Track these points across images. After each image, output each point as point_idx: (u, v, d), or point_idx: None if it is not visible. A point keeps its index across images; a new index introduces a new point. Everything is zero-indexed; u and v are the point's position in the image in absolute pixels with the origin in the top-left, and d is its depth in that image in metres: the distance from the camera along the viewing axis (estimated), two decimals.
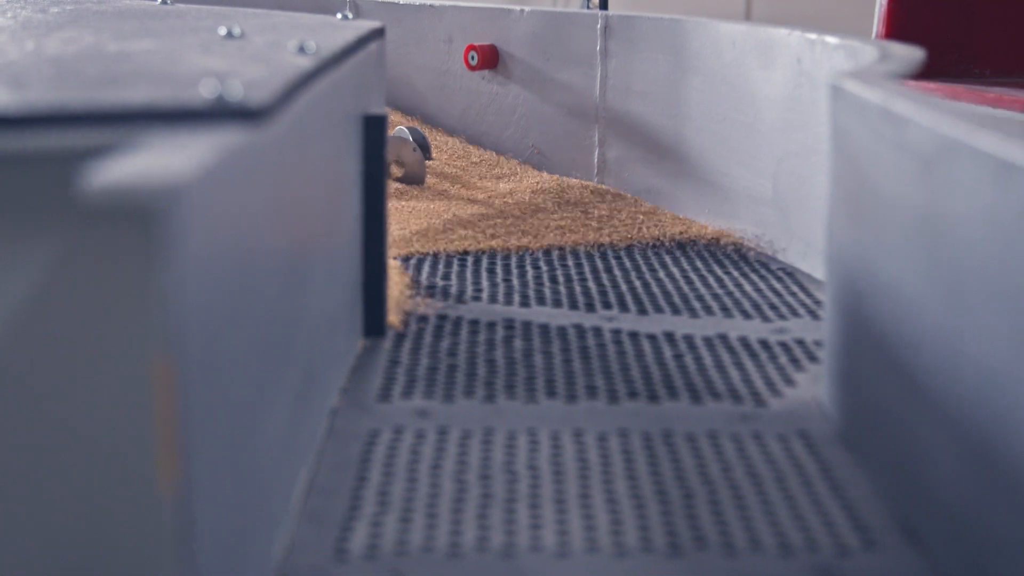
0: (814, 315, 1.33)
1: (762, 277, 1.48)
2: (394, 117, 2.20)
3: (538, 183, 1.86)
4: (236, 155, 0.63)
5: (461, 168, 1.98)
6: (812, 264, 1.48)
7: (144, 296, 0.53)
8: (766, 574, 0.79)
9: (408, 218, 1.66)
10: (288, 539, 0.81)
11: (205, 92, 0.70)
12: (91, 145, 0.63)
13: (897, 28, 1.96)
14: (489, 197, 1.78)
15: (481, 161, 2.02)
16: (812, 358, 1.19)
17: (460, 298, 1.35)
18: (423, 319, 1.28)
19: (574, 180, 1.90)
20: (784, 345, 1.23)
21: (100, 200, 0.51)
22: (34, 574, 0.58)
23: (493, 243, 1.56)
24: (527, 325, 1.27)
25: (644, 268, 1.50)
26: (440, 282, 1.40)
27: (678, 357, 1.19)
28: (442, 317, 1.29)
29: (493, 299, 1.35)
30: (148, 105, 0.67)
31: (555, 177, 1.92)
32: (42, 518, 0.58)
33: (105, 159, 0.58)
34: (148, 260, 0.53)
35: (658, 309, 1.34)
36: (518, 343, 1.22)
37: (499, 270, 1.47)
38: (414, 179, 1.88)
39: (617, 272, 1.48)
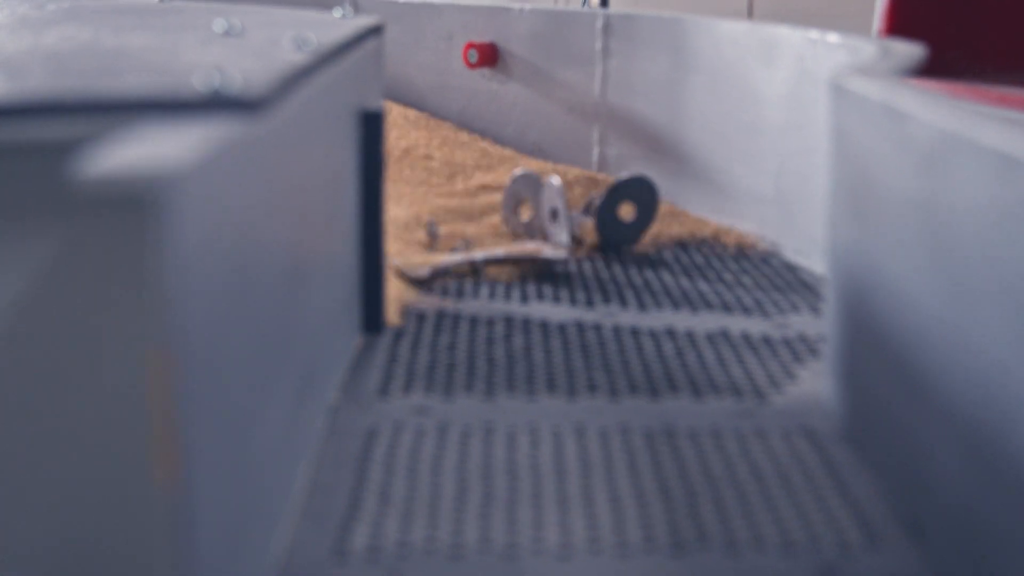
0: (816, 311, 1.32)
1: (763, 274, 1.47)
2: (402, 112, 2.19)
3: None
4: (232, 146, 0.63)
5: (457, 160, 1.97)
6: (814, 261, 1.48)
7: (139, 287, 0.52)
8: (770, 574, 0.78)
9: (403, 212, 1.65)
10: (288, 538, 0.80)
11: (201, 83, 0.70)
12: (86, 135, 0.62)
13: (898, 26, 1.96)
14: (487, 190, 1.77)
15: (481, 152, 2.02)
16: (814, 354, 1.19)
17: (459, 294, 1.34)
18: (422, 315, 1.27)
19: (575, 171, 1.90)
20: (786, 341, 1.23)
21: (93, 189, 0.51)
22: (29, 572, 0.58)
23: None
24: (526, 322, 1.26)
25: (644, 264, 1.50)
26: (439, 275, 1.39)
27: (679, 353, 1.18)
28: (440, 313, 1.28)
29: (492, 295, 1.35)
30: (143, 95, 0.67)
31: (555, 167, 1.92)
32: (37, 515, 0.57)
33: (99, 149, 0.57)
34: (143, 250, 0.52)
35: (658, 305, 1.33)
36: (518, 340, 1.21)
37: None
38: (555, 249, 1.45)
39: (617, 268, 1.48)
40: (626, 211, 1.55)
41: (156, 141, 0.58)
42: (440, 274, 1.38)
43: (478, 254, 1.42)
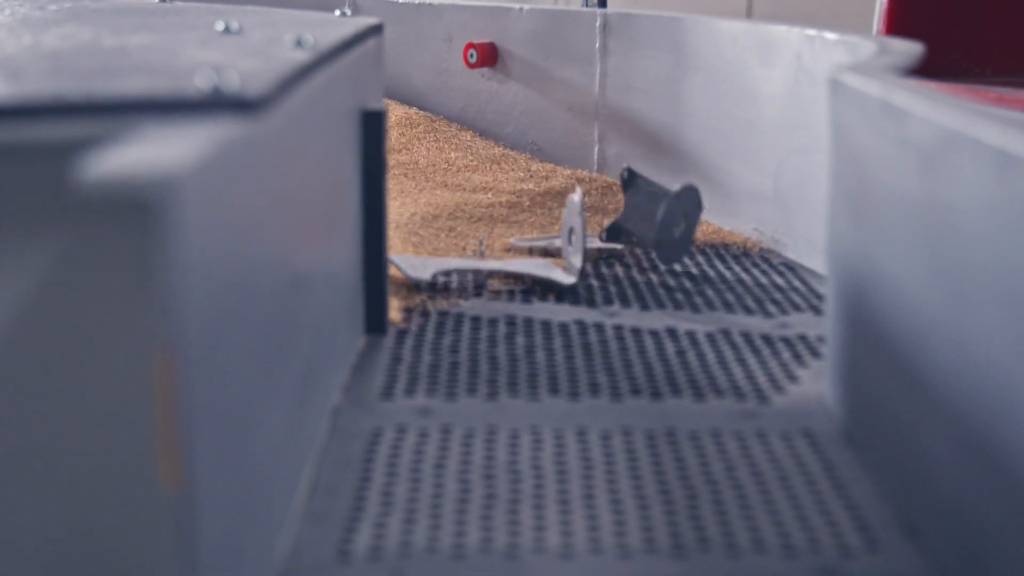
0: (816, 311, 1.32)
1: (763, 272, 1.47)
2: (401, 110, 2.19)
3: (537, 176, 1.86)
4: (233, 146, 0.62)
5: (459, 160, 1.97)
6: (814, 260, 1.48)
7: (142, 289, 0.52)
8: (769, 575, 0.78)
9: (404, 211, 1.65)
10: (290, 540, 0.80)
11: (201, 83, 0.70)
12: (86, 136, 0.62)
13: (897, 26, 1.96)
14: (487, 189, 1.77)
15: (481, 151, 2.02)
16: (815, 353, 1.19)
17: (461, 294, 1.34)
18: (424, 316, 1.27)
19: (570, 172, 1.90)
20: (787, 340, 1.23)
21: (95, 192, 0.51)
22: (34, 572, 0.58)
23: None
24: (528, 322, 1.26)
25: (645, 263, 1.49)
26: (441, 278, 1.39)
27: (680, 353, 1.18)
28: (443, 314, 1.28)
29: (495, 295, 1.35)
30: (144, 96, 0.67)
31: (553, 167, 1.92)
32: (41, 517, 0.57)
33: (100, 150, 0.57)
34: (145, 253, 0.52)
35: (660, 305, 1.33)
36: (520, 340, 1.21)
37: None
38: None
39: (618, 267, 1.48)
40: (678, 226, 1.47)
41: (157, 143, 0.58)
42: (441, 276, 1.37)
43: (489, 264, 1.40)
